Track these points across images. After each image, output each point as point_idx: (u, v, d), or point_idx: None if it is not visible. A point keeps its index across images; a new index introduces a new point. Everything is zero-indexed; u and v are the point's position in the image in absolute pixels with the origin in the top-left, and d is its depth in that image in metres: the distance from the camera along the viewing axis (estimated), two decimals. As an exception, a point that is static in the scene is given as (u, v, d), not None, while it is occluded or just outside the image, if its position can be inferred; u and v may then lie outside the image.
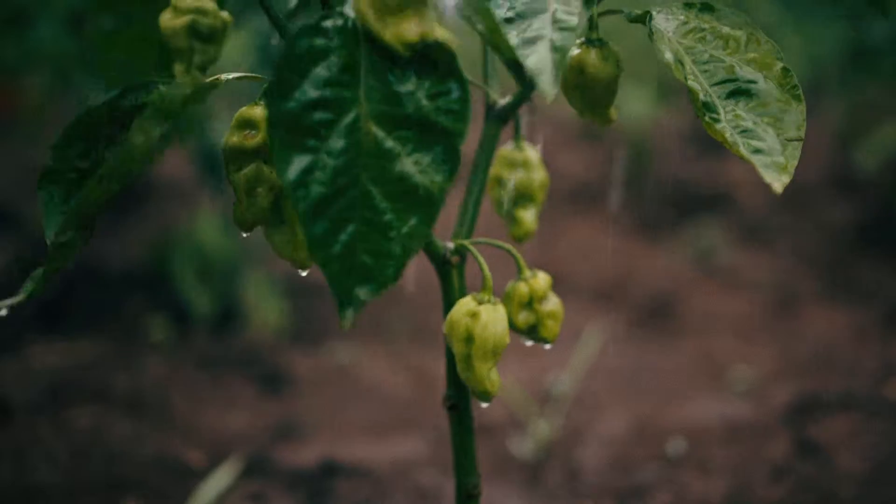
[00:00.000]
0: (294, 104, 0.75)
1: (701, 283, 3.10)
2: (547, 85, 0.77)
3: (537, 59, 0.78)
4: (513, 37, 0.80)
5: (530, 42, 0.80)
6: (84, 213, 0.85)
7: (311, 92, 0.76)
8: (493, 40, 0.83)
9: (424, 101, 0.77)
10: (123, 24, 1.03)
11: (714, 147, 4.18)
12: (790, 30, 4.10)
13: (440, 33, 0.79)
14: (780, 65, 0.91)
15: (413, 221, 0.77)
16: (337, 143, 0.76)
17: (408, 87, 0.77)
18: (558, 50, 0.78)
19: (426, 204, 0.77)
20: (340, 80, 0.77)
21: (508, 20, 0.81)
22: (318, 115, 0.76)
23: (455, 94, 0.78)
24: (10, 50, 2.90)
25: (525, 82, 0.89)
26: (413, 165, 0.76)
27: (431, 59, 0.78)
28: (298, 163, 0.75)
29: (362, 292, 0.76)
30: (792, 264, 3.19)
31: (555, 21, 0.80)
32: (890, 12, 1.03)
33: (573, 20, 0.80)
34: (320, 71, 0.76)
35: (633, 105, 4.04)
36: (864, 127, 3.51)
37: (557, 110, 4.60)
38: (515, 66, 0.85)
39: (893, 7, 1.02)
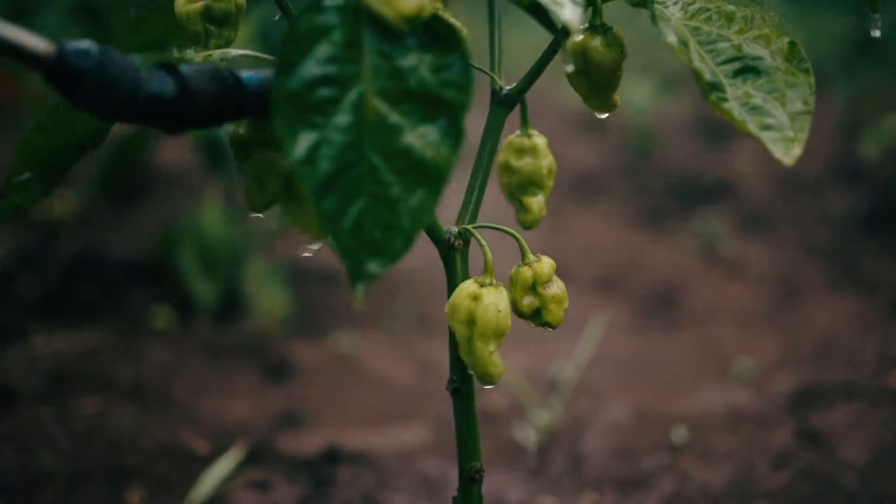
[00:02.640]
0: (297, 82, 0.76)
1: (705, 272, 3.09)
2: (570, 14, 0.77)
3: None
4: None
5: None
6: (39, 155, 0.85)
7: (314, 69, 0.76)
8: None
9: (427, 75, 0.77)
10: (146, 11, 1.04)
11: (718, 137, 4.18)
12: (794, 23, 4.10)
13: (439, 7, 0.79)
14: (786, 39, 0.90)
15: (420, 194, 0.77)
16: (342, 118, 0.76)
17: (410, 61, 0.77)
18: None
19: (433, 176, 0.77)
20: (343, 56, 0.77)
21: None
22: (323, 92, 0.76)
23: (457, 68, 0.78)
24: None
25: (551, 25, 0.88)
26: (418, 139, 0.76)
27: (433, 34, 0.78)
28: (305, 140, 0.75)
29: (373, 266, 0.76)
30: (795, 254, 3.19)
31: None
32: (876, 7, 1.02)
33: None
34: (323, 48, 0.76)
35: (637, 96, 4.03)
36: (868, 117, 3.50)
37: (561, 101, 4.60)
38: (536, 10, 0.84)
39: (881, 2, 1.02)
